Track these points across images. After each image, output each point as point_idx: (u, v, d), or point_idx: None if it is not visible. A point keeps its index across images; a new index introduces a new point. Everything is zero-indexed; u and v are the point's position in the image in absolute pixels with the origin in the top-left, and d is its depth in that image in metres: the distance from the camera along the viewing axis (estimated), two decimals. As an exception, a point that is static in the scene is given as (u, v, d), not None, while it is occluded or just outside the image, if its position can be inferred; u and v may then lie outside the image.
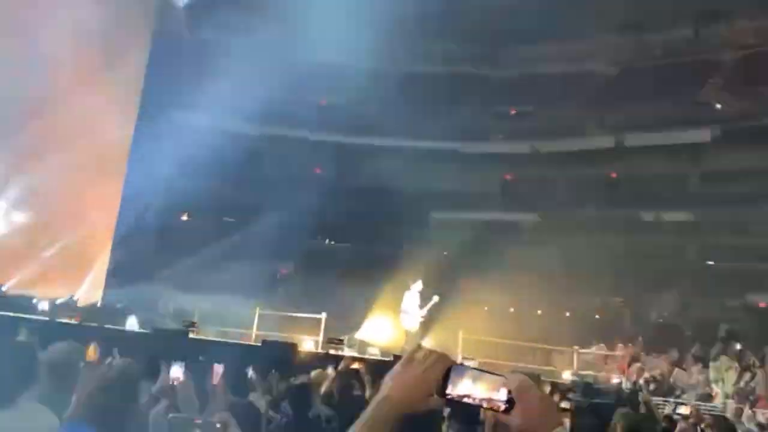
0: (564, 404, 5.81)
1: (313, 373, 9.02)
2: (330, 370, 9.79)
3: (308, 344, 15.25)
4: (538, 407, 1.45)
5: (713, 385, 20.87)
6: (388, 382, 1.52)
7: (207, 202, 31.87)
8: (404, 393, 1.48)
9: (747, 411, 12.92)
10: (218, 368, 6.59)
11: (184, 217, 32.17)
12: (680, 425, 6.35)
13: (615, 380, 16.88)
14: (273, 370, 8.23)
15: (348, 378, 8.69)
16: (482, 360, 16.29)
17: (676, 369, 21.72)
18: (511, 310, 25.81)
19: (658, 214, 29.93)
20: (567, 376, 15.82)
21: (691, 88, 30.71)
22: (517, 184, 34.58)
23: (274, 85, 29.50)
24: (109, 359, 6.75)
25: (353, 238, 33.91)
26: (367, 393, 8.15)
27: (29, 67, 15.74)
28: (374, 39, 34.31)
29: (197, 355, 7.53)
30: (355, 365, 10.11)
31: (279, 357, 10.98)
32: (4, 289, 14.04)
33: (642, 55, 32.85)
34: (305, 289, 25.04)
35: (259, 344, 13.78)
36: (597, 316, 27.77)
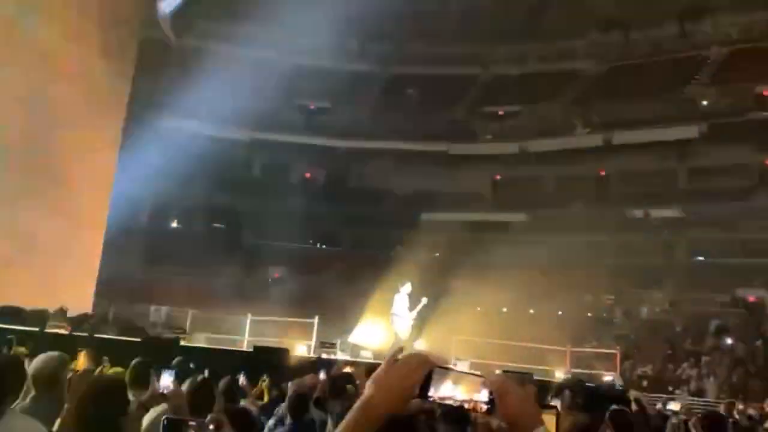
0: (554, 402, 5.82)
1: (306, 378, 9.01)
2: (322, 375, 9.77)
3: (301, 349, 15.21)
4: (518, 407, 1.46)
5: (705, 380, 20.99)
6: (370, 385, 1.53)
7: (196, 208, 31.82)
8: (386, 396, 1.49)
9: (739, 405, 12.97)
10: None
11: (174, 224, 32.03)
12: (671, 421, 6.39)
13: (607, 378, 16.90)
14: (264, 376, 8.21)
15: (341, 382, 8.67)
16: (475, 361, 16.30)
17: (668, 365, 21.81)
18: (504, 310, 25.80)
19: (647, 211, 30.09)
20: (560, 375, 15.85)
21: (677, 85, 30.93)
22: (506, 184, 34.67)
23: (262, 90, 29.52)
24: (99, 369, 6.72)
25: (344, 241, 33.92)
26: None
27: (16, 69, 15.71)
28: (361, 41, 34.45)
29: (188, 362, 7.49)
30: (348, 369, 10.09)
31: (271, 362, 10.96)
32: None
33: (628, 53, 33.04)
34: (297, 294, 24.96)
35: (251, 350, 13.74)
36: (589, 314, 27.83)
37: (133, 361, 5.31)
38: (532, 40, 33.91)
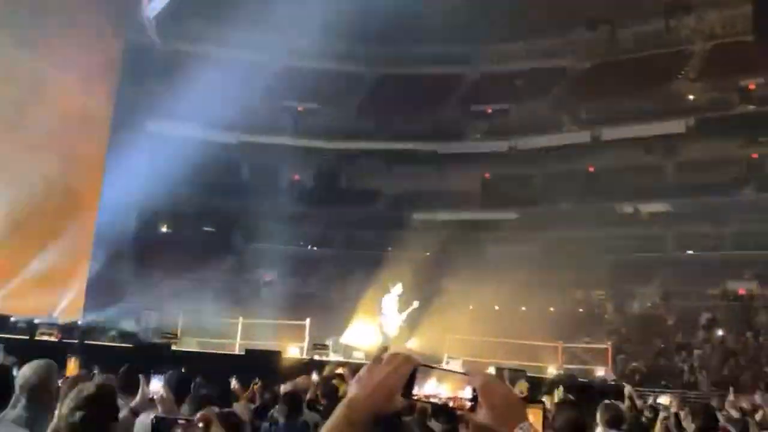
0: (546, 398, 5.84)
1: (299, 380, 9.00)
2: (315, 376, 9.78)
3: (293, 351, 15.20)
4: (502, 404, 1.46)
5: (697, 373, 21.11)
6: (354, 385, 1.52)
7: (186, 212, 31.71)
8: (370, 395, 1.48)
9: (730, 397, 13.02)
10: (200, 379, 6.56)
11: (164, 229, 31.91)
12: (661, 415, 6.42)
13: (599, 373, 16.98)
14: (256, 379, 8.20)
15: (333, 383, 8.66)
16: (468, 359, 16.35)
17: (660, 358, 21.93)
18: (496, 307, 25.87)
19: (636, 206, 30.23)
20: (552, 370, 15.91)
21: (663, 80, 31.08)
22: (495, 182, 34.75)
23: (249, 92, 29.43)
24: (89, 375, 6.69)
25: (335, 242, 33.89)
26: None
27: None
28: (349, 43, 34.41)
29: (180, 367, 7.46)
30: (340, 370, 10.09)
31: (263, 365, 10.94)
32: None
33: (614, 49, 33.17)
34: (289, 296, 24.92)
35: (243, 353, 13.71)
36: (580, 310, 27.95)
37: (123, 367, 5.29)
38: (519, 38, 33.99)
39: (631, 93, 30.23)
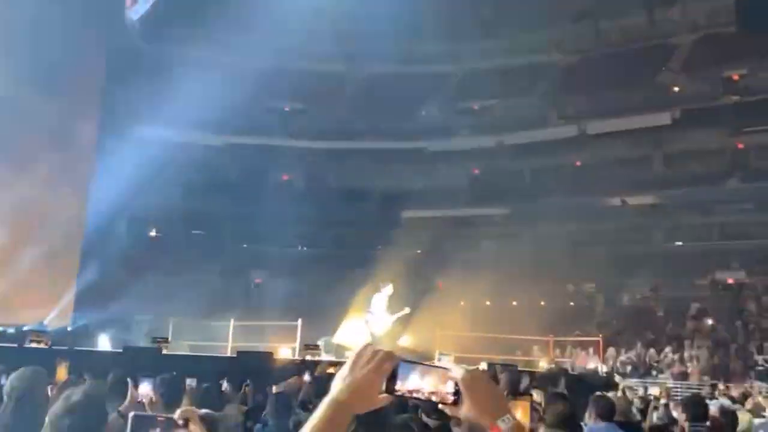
0: (535, 394, 5.87)
1: (291, 380, 8.99)
2: (307, 377, 9.77)
3: (285, 352, 15.18)
4: (484, 397, 1.48)
5: (688, 364, 21.25)
6: (336, 383, 1.53)
7: (175, 216, 31.57)
8: (353, 394, 1.49)
9: (721, 386, 13.17)
10: (191, 381, 6.55)
11: (153, 233, 31.77)
12: (652, 405, 6.47)
13: (591, 365, 17.07)
14: (247, 381, 8.19)
15: (325, 383, 8.65)
16: (460, 354, 16.37)
17: (651, 350, 22.06)
18: (487, 303, 25.96)
19: (624, 199, 30.38)
20: (544, 364, 15.98)
21: (648, 72, 31.23)
22: (484, 178, 34.82)
23: (235, 93, 29.32)
24: (78, 381, 6.66)
25: (325, 242, 33.85)
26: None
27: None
28: (333, 42, 34.36)
29: (171, 371, 7.44)
30: (332, 370, 10.09)
31: (255, 367, 10.92)
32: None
33: (599, 42, 33.29)
34: (280, 297, 24.88)
35: (234, 355, 13.67)
36: (571, 304, 28.08)
37: (112, 372, 5.29)
38: (503, 33, 34.05)
39: (617, 86, 30.35)
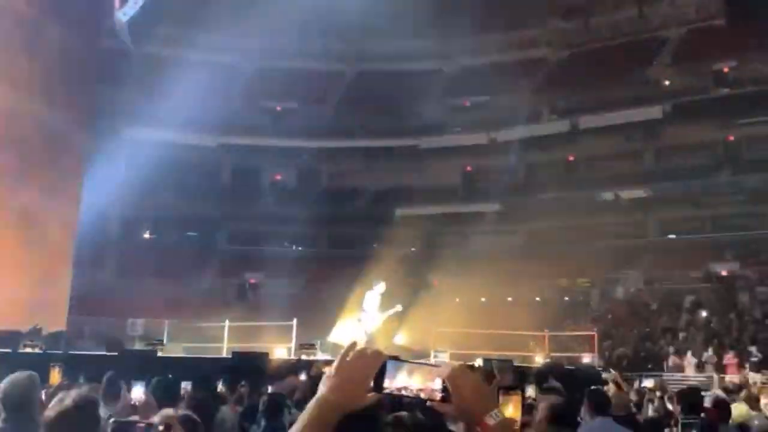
0: (529, 391, 5.87)
1: (286, 380, 8.98)
2: (303, 376, 9.75)
3: (281, 352, 15.17)
4: (471, 392, 1.48)
5: (683, 356, 21.32)
6: (324, 382, 1.53)
7: (168, 217, 31.53)
8: (341, 393, 1.49)
9: (715, 377, 13.23)
10: (185, 384, 6.54)
11: (146, 235, 31.71)
12: (647, 397, 6.49)
13: (586, 359, 17.10)
14: (243, 381, 8.17)
15: (321, 382, 8.64)
16: (455, 351, 16.40)
17: (646, 343, 22.12)
18: (482, 299, 25.97)
19: (617, 193, 30.45)
20: (539, 359, 16.01)
21: (638, 67, 31.32)
22: (477, 174, 34.86)
23: (227, 94, 29.30)
24: (71, 385, 6.64)
25: (320, 242, 33.84)
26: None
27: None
28: (325, 41, 34.34)
29: (166, 373, 7.42)
30: (328, 369, 10.07)
31: (251, 367, 10.89)
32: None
33: (589, 38, 33.36)
34: (275, 297, 24.88)
35: (230, 356, 13.65)
36: (565, 298, 28.13)
37: (106, 375, 5.27)
38: (494, 30, 34.08)
39: (608, 81, 30.43)
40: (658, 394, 7.21)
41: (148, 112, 27.21)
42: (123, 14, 22.69)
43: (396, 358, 1.56)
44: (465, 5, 31.47)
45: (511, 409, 2.79)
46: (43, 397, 5.22)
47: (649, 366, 20.42)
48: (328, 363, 11.94)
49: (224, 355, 14.92)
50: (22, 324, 13.49)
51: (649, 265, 28.51)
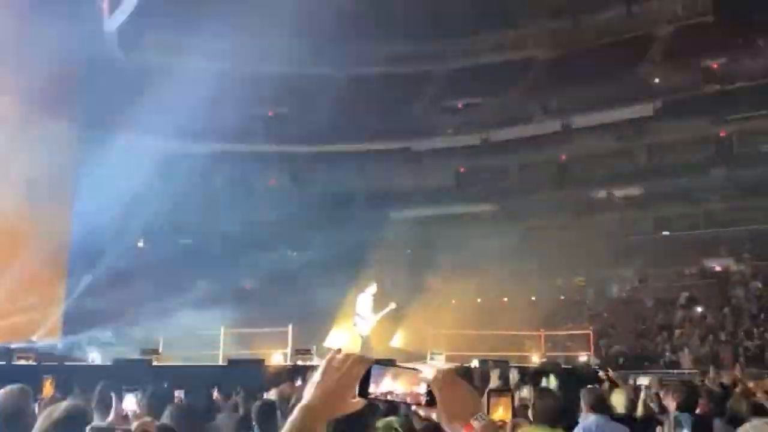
0: (524, 391, 5.87)
1: (282, 386, 8.95)
2: (299, 382, 9.73)
3: (277, 358, 15.14)
4: (456, 395, 1.48)
5: (679, 352, 21.37)
6: (309, 389, 1.52)
7: (161, 226, 31.39)
8: (325, 399, 1.49)
9: (711, 373, 13.24)
10: (179, 393, 6.51)
11: (140, 243, 31.58)
12: (643, 394, 6.51)
13: (582, 358, 17.11)
14: (238, 388, 8.15)
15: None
16: (452, 353, 16.38)
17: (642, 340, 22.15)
18: (478, 300, 25.96)
19: (610, 191, 30.53)
20: (536, 359, 16.03)
21: (628, 65, 31.40)
22: (470, 175, 34.90)
23: (218, 101, 29.21)
24: (65, 396, 6.61)
25: (314, 246, 33.75)
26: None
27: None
28: (314, 46, 34.31)
29: (161, 382, 7.40)
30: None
31: (247, 374, 10.89)
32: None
33: (579, 37, 33.45)
34: (270, 303, 24.80)
35: (226, 364, 13.61)
36: (561, 297, 28.15)
37: (98, 386, 5.24)
38: (484, 31, 34.15)
39: (598, 80, 30.49)
40: (653, 390, 7.23)
41: (139, 121, 27.12)
42: (111, 22, 22.71)
43: (391, 362, 1.55)
44: (454, 7, 31.52)
45: (501, 411, 2.80)
46: (36, 409, 5.19)
47: (646, 363, 20.47)
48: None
49: (220, 362, 14.86)
50: (17, 336, 13.45)
51: (643, 263, 28.56)
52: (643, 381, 7.85)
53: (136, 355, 14.59)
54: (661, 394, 6.59)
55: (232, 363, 12.69)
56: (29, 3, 17.42)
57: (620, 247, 29.15)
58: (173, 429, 3.09)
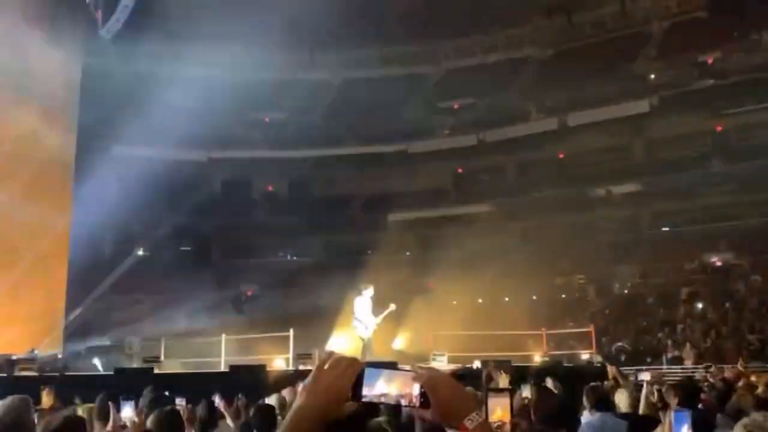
0: (525, 390, 5.85)
1: (284, 392, 8.92)
2: (300, 387, 9.70)
3: (278, 363, 15.10)
4: (450, 397, 1.47)
5: (681, 348, 21.34)
6: (301, 393, 1.51)
7: (161, 233, 31.39)
8: (318, 403, 1.47)
9: (713, 369, 13.22)
10: (180, 400, 6.49)
11: (140, 252, 31.56)
12: (644, 390, 6.49)
13: (585, 356, 17.09)
14: (240, 395, 8.12)
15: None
16: (454, 354, 16.34)
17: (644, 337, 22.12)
18: (479, 300, 25.94)
19: (608, 188, 30.53)
20: (538, 358, 16.00)
21: (624, 62, 31.45)
22: (468, 176, 34.90)
23: (215, 108, 29.23)
24: (65, 406, 6.59)
25: (313, 250, 33.79)
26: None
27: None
28: (310, 50, 34.35)
29: (162, 390, 7.37)
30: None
31: (248, 380, 10.85)
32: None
33: (573, 35, 33.49)
34: (271, 308, 24.80)
35: (227, 370, 13.58)
36: (562, 296, 28.13)
37: (99, 395, 5.23)
38: (478, 32, 34.20)
39: (594, 77, 30.53)
40: (655, 386, 7.21)
41: (136, 129, 27.12)
42: (106, 32, 22.73)
43: (374, 366, 1.54)
44: (448, 8, 31.56)
45: (500, 411, 2.79)
46: (36, 420, 5.18)
47: (648, 359, 20.45)
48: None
49: (222, 369, 14.82)
50: (19, 348, 13.43)
51: (644, 259, 28.57)
52: (645, 377, 7.82)
53: (137, 364, 14.59)
54: (663, 390, 6.58)
55: (234, 369, 12.65)
56: (23, 16, 17.43)
57: (620, 244, 29.17)
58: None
